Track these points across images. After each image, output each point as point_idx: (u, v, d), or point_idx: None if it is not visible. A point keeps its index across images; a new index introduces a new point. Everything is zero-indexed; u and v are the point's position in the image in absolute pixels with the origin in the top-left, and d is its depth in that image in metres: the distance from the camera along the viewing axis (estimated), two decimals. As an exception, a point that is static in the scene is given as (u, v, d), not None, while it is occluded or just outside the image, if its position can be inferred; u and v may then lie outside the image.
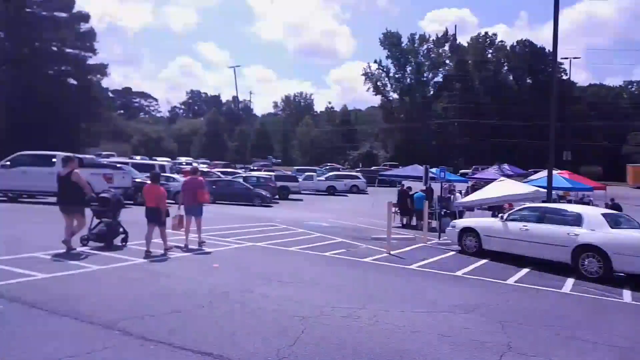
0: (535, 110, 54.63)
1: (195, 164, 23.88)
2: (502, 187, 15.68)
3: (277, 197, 27.78)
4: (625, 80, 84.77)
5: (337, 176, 39.14)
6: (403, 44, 74.77)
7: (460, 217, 17.03)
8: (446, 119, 68.87)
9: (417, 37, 74.81)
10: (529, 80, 69.35)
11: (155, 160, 39.82)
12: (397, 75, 75.94)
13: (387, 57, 75.21)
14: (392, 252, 11.68)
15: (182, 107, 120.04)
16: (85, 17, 57.66)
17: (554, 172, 15.92)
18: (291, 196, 30.35)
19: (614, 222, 10.46)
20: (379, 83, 76.90)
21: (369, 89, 78.36)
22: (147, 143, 75.94)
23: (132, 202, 18.12)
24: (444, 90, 72.43)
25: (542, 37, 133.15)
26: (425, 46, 74.88)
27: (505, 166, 28.65)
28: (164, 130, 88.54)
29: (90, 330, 5.18)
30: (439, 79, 75.50)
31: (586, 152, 55.41)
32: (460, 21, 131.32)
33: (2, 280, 6.81)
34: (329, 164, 59.91)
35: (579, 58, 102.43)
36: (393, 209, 15.51)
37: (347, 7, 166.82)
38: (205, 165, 43.26)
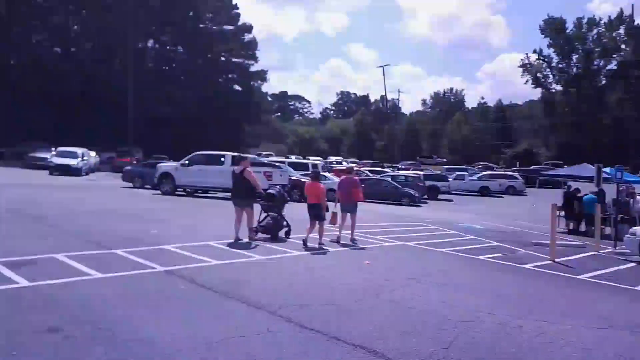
0: None
1: (350, 164, 24.54)
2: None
3: (425, 196, 27.26)
4: None
5: (491, 176, 37.04)
6: (568, 30, 67.31)
7: (642, 223, 14.77)
8: (622, 111, 60.31)
9: (584, 21, 66.76)
10: None
11: (308, 159, 41.94)
12: (560, 65, 68.61)
13: (549, 46, 68.27)
14: (556, 260, 10.62)
15: (333, 108, 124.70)
16: (249, 29, 63.27)
17: None
18: (441, 196, 29.52)
19: None
20: (539, 74, 70.20)
21: (527, 81, 71.88)
22: (300, 143, 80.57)
23: (288, 198, 19.33)
24: (619, 79, 63.46)
25: None
26: (595, 31, 66.30)
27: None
28: (316, 131, 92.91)
29: (255, 314, 5.65)
30: (612, 66, 66.38)
31: None
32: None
33: (183, 264, 7.80)
34: (481, 163, 56.89)
35: None
36: (557, 213, 14.10)
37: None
38: (354, 165, 44.28)
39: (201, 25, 59.09)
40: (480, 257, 10.59)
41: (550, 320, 6.08)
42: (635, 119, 58.88)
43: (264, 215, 11.01)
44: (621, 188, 18.17)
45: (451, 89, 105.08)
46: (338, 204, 11.71)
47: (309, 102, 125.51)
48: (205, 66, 58.82)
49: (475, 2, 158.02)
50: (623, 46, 65.30)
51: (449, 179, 33.01)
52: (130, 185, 23.05)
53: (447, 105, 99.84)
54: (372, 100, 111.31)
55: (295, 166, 27.36)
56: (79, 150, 30.18)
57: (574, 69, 67.93)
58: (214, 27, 60.60)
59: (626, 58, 63.47)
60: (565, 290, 8.24)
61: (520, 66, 71.32)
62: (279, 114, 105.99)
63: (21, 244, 8.43)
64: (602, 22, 65.99)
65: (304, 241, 10.08)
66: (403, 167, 47.34)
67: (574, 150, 54.46)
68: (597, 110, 62.58)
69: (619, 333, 5.86)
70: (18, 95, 41.13)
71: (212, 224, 12.86)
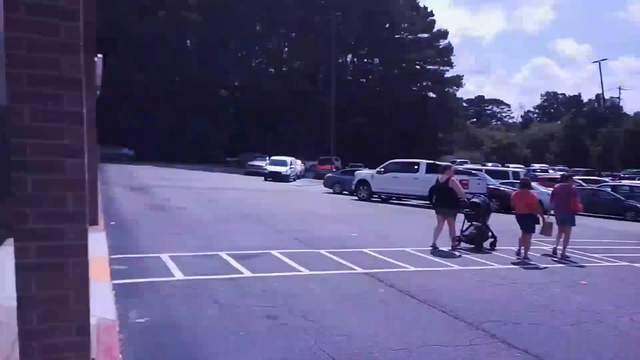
0: None
1: (567, 172, 22.24)
2: None
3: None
4: None
5: None
6: None
7: None
8: None
9: None
10: None
11: (508, 167, 39.21)
12: None
13: None
14: None
15: (536, 111, 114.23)
16: (444, 34, 62.34)
17: None
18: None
19: None
20: None
21: None
22: (498, 150, 75.75)
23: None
24: None
25: None
26: None
27: None
28: (516, 136, 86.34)
29: (456, 324, 5.46)
30: None
31: None
32: None
33: (382, 268, 7.99)
34: None
35: None
36: None
37: None
38: (570, 173, 39.78)
39: (397, 36, 60.38)
40: None
41: None
42: None
43: (467, 224, 10.68)
44: None
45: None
46: (551, 215, 10.69)
47: (508, 105, 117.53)
48: (400, 75, 59.88)
49: None
50: None
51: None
52: (331, 191, 24.78)
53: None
54: (585, 100, 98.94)
55: (493, 174, 25.80)
56: (288, 159, 33.82)
57: None
58: (409, 37, 61.31)
59: None
60: None
61: None
62: (475, 119, 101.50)
63: (244, 238, 9.75)
64: None
65: (518, 252, 9.72)
66: (626, 175, 40.88)
67: None
68: None
69: None
70: (240, 113, 48.25)
71: (407, 230, 12.97)
